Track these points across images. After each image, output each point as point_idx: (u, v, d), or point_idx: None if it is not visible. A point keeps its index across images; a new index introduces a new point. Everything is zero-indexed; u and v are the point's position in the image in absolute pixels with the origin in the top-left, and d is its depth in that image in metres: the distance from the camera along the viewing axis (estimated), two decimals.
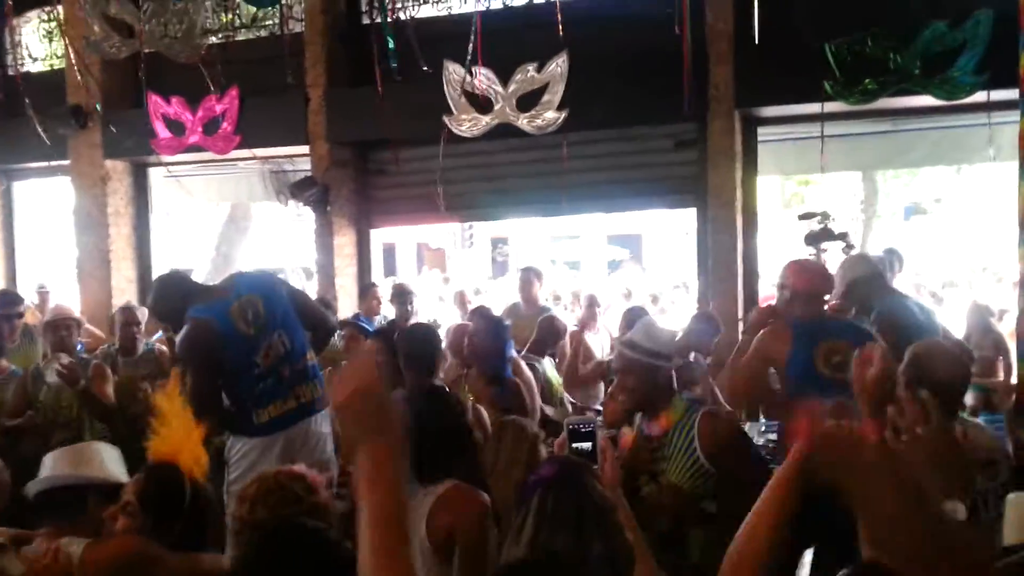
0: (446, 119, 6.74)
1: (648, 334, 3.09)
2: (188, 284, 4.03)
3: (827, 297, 3.96)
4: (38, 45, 8.86)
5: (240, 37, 7.87)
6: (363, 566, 1.30)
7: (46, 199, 9.63)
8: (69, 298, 8.07)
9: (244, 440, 3.89)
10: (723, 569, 1.69)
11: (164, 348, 5.44)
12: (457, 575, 2.50)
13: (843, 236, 4.67)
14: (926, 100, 5.74)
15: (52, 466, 2.67)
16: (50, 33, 8.45)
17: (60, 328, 5.22)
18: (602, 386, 5.39)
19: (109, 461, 2.80)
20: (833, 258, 5.24)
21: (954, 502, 1.83)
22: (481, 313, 4.97)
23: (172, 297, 3.91)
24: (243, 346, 3.80)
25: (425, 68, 6.60)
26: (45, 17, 8.33)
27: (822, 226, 4.70)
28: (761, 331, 3.79)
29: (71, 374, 4.58)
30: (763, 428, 4.65)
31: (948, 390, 2.91)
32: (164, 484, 2.57)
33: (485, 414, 3.82)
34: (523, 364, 4.75)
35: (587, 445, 2.42)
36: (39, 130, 7.69)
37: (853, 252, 5.12)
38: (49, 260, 9.99)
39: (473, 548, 2.50)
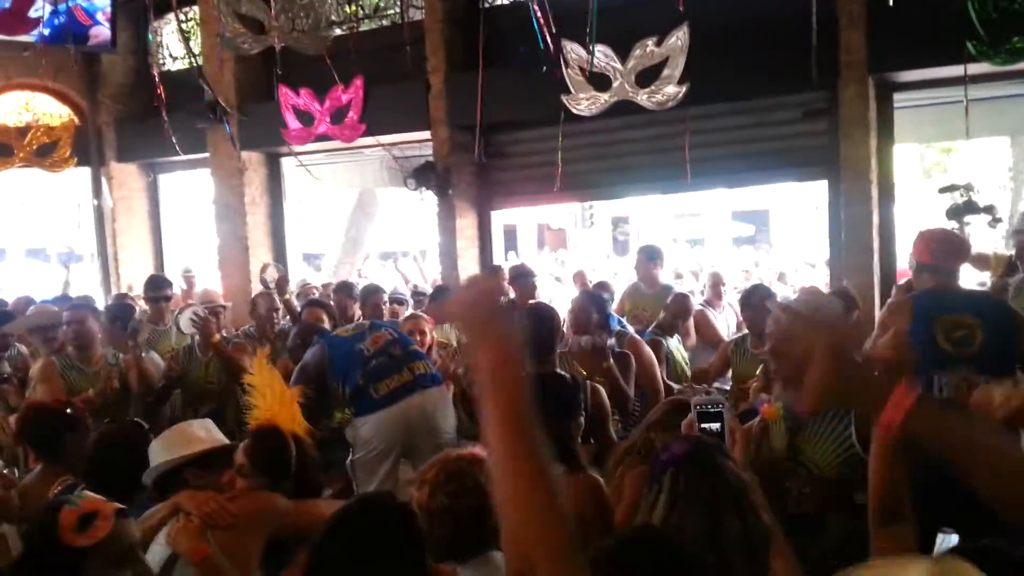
0: (564, 99, 6.71)
1: (810, 303, 2.97)
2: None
3: (961, 266, 3.76)
4: (177, 45, 9.37)
5: (363, 27, 8.06)
6: (494, 470, 1.30)
7: (189, 190, 10.19)
8: (211, 283, 8.54)
9: (365, 418, 4.15)
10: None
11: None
12: None
13: (989, 209, 4.34)
14: None
15: (154, 455, 2.93)
16: (186, 33, 8.91)
17: (209, 312, 5.58)
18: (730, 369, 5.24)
19: (198, 431, 3.02)
20: (978, 232, 4.91)
21: None
22: (583, 289, 4.96)
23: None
24: (346, 344, 4.30)
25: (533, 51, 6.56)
26: (183, 17, 8.78)
27: (965, 199, 4.39)
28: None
29: (206, 324, 5.09)
30: None
31: None
32: (270, 445, 2.84)
33: (601, 389, 3.80)
34: (642, 342, 4.70)
35: (715, 426, 2.37)
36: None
37: (1000, 225, 4.78)
38: (192, 247, 10.58)
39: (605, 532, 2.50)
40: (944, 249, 3.69)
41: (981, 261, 5.06)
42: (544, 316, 4.02)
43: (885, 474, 1.85)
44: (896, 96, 6.18)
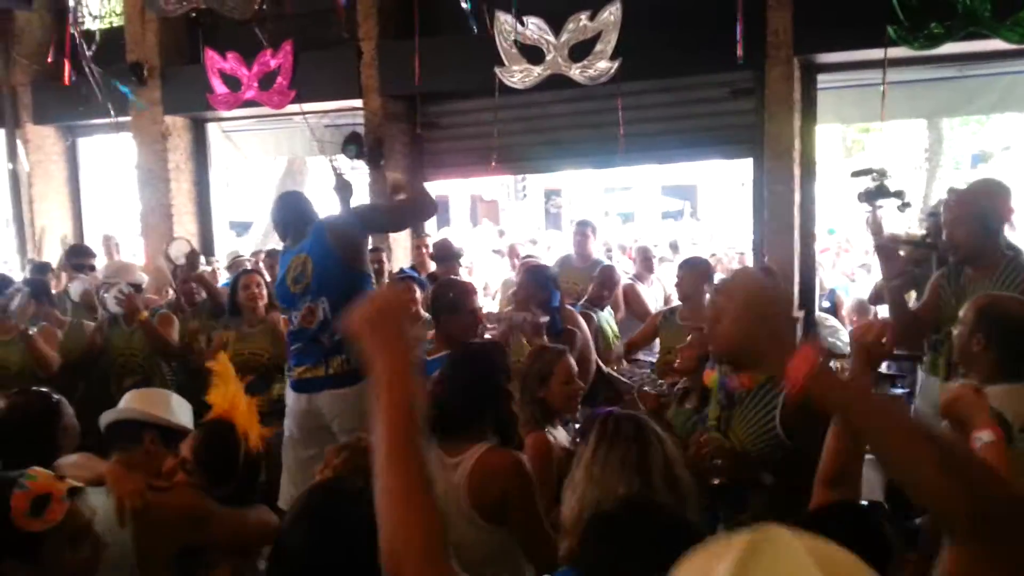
0: (497, 71, 6.70)
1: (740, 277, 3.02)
2: (301, 207, 4.21)
3: None
4: (97, 3, 9.00)
5: None
6: (379, 470, 1.37)
7: (110, 155, 9.85)
8: (133, 252, 8.31)
9: (287, 390, 4.10)
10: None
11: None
12: (518, 537, 2.58)
13: (899, 194, 4.44)
14: (995, 44, 5.50)
15: (126, 402, 2.89)
16: None
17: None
18: (658, 340, 5.35)
19: (176, 408, 2.95)
20: (889, 216, 5.05)
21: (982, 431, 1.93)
22: (526, 266, 4.97)
23: (286, 214, 4.18)
24: (286, 299, 4.05)
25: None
26: None
27: (877, 183, 4.48)
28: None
29: (130, 302, 4.93)
30: None
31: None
32: (219, 444, 2.63)
33: None
34: (578, 316, 4.76)
35: None
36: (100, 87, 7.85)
37: (909, 210, 4.88)
38: (114, 214, 10.24)
39: (529, 509, 2.55)
40: None
41: (897, 240, 5.20)
42: (456, 292, 3.96)
43: (831, 442, 1.97)
44: (819, 77, 6.35)
